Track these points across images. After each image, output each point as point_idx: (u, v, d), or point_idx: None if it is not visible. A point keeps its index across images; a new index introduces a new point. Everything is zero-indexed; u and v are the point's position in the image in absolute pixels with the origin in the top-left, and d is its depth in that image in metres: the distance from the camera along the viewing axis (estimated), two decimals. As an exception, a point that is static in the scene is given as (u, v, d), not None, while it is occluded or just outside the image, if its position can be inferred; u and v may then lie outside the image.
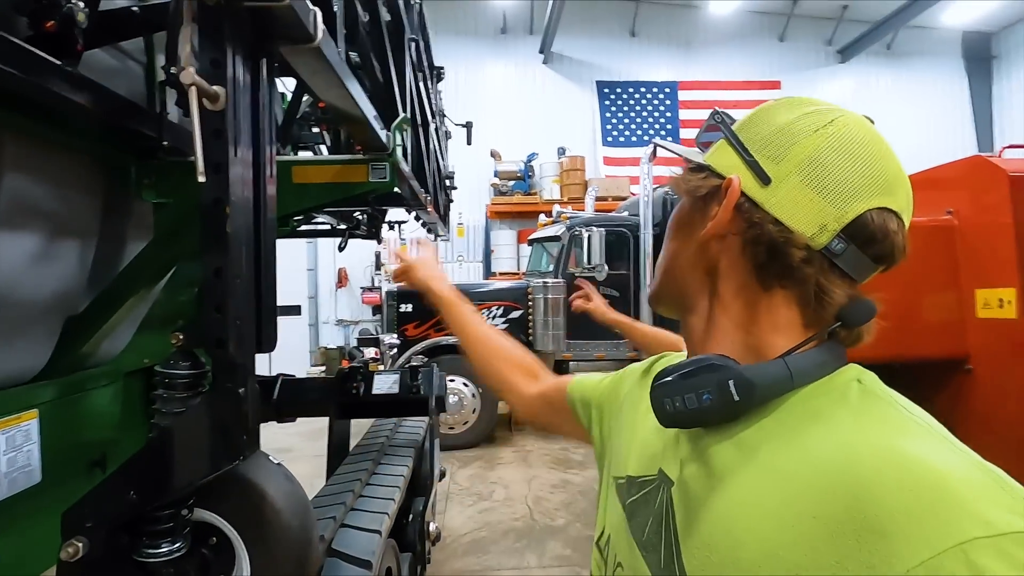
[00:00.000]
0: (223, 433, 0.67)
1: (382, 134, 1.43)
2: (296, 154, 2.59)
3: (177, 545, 0.70)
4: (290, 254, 9.38)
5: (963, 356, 2.65)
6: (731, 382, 0.47)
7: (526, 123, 10.32)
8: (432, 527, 2.52)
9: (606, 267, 5.46)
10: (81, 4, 0.84)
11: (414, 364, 2.68)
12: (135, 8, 0.99)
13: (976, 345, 2.60)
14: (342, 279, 9.81)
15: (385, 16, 1.74)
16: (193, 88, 0.61)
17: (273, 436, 5.37)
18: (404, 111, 1.90)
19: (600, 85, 10.46)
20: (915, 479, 0.38)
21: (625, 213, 6.16)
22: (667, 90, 10.44)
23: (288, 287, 9.56)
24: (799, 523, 0.41)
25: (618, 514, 0.62)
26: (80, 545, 0.64)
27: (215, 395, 0.67)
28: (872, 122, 0.53)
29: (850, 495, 0.39)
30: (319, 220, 3.42)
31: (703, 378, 0.49)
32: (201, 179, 0.62)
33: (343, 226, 3.57)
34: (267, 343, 0.76)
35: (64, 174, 1.21)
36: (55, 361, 1.38)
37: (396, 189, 2.04)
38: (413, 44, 2.05)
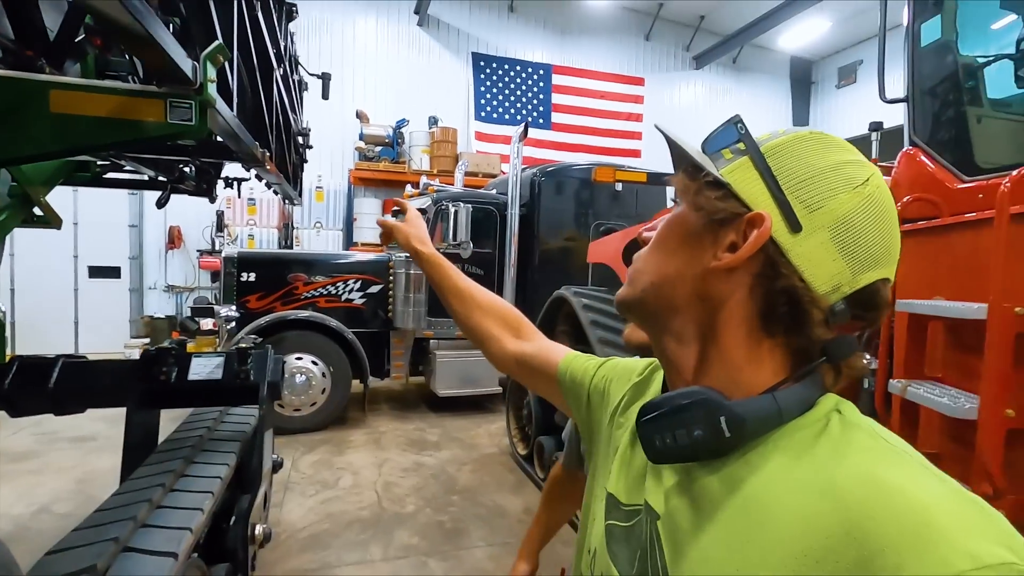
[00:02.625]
0: None
1: (186, 64, 1.11)
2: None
3: None
4: (107, 207, 7.97)
5: None
6: (723, 419, 0.47)
7: (398, 87, 9.76)
8: (259, 529, 2.22)
9: (471, 244, 5.35)
10: None
11: (243, 346, 2.32)
12: None
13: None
14: (174, 239, 8.55)
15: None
16: None
17: (72, 421, 4.50)
18: (232, 43, 1.55)
19: (476, 57, 10.21)
20: (900, 511, 0.38)
21: (494, 191, 6.09)
22: (541, 71, 10.51)
23: (102, 245, 8.12)
24: (788, 561, 0.41)
25: (603, 535, 0.61)
26: None
27: None
28: None
29: (840, 533, 0.39)
30: (128, 168, 2.82)
31: (693, 414, 0.49)
32: None
33: (164, 179, 3.00)
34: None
35: None
36: None
37: (217, 138, 1.69)
38: (246, -38, 1.68)
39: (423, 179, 6.33)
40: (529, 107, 10.35)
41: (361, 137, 8.96)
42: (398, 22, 9.91)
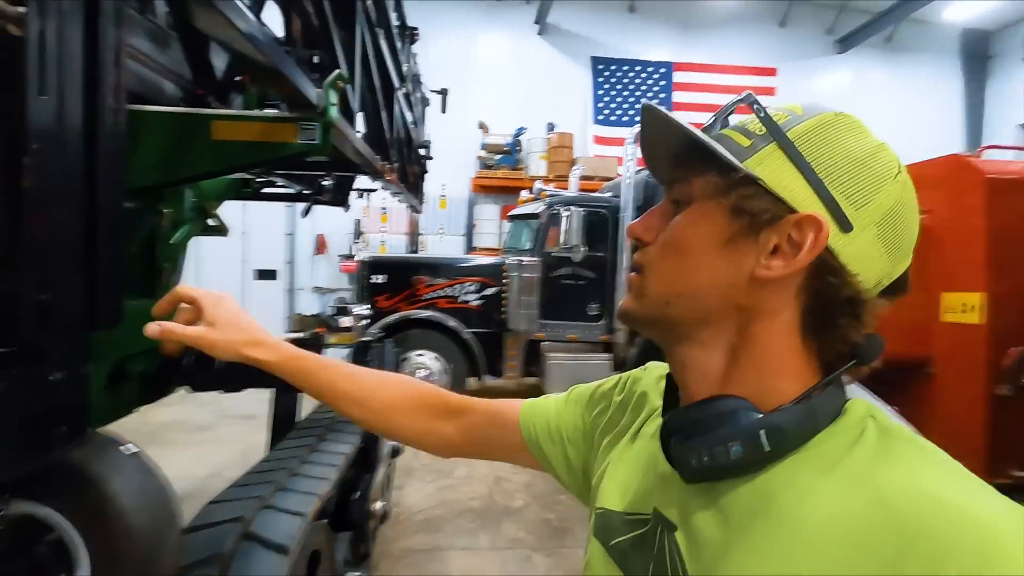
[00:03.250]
0: (29, 425, 0.57)
1: (311, 92, 1.30)
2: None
3: (-18, 546, 0.61)
4: (267, 218, 9.16)
5: (926, 359, 2.62)
6: (763, 432, 0.44)
7: (517, 96, 10.07)
8: (378, 505, 2.46)
9: (584, 248, 5.37)
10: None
11: (366, 339, 2.59)
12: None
13: (939, 348, 2.56)
14: (320, 246, 9.62)
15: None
16: (-25, 6, 0.49)
17: (240, 402, 5.29)
18: (352, 70, 1.76)
19: (595, 61, 10.21)
20: (961, 531, 0.36)
21: (608, 194, 6.05)
22: (662, 70, 10.23)
23: (264, 251, 9.36)
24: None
25: (601, 554, 0.57)
26: None
27: (16, 382, 0.56)
28: None
29: (890, 551, 0.37)
30: (280, 183, 3.27)
31: (730, 429, 0.45)
32: (-15, 120, 0.51)
33: (307, 191, 3.42)
34: (104, 317, 0.65)
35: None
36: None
37: (347, 155, 1.91)
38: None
39: (536, 184, 6.48)
40: (649, 107, 10.10)
41: (482, 147, 9.38)
42: (519, 34, 10.23)
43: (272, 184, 3.46)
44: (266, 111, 1.52)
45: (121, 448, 0.74)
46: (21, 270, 0.54)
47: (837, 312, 0.46)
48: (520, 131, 9.42)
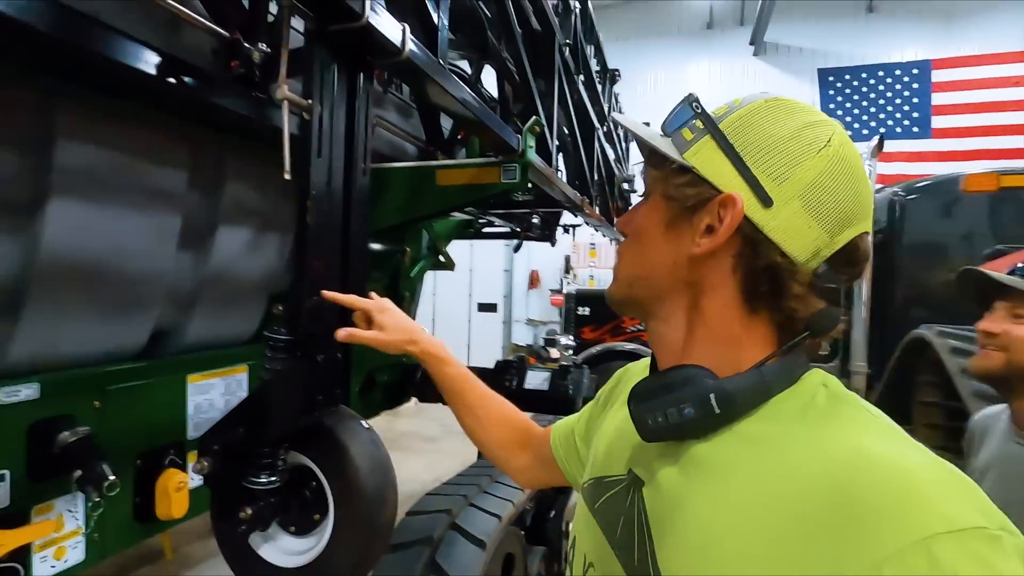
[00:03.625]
0: (303, 391, 0.80)
1: (512, 138, 1.50)
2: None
3: (274, 479, 0.86)
4: (489, 256, 10.20)
5: None
6: (712, 396, 0.48)
7: (731, 122, 9.58)
8: (571, 526, 2.53)
9: (808, 279, 4.80)
10: (262, 46, 1.06)
11: (565, 364, 2.73)
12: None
13: None
14: (534, 281, 10.32)
15: (535, 25, 1.82)
16: (284, 101, 0.75)
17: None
18: (552, 114, 1.96)
19: (823, 73, 9.15)
20: (884, 478, 0.40)
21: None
22: (915, 71, 8.68)
23: (486, 286, 10.41)
24: (776, 522, 0.43)
25: (584, 516, 0.64)
26: (206, 463, 0.83)
27: (298, 360, 0.80)
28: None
29: (826, 495, 0.41)
30: (498, 223, 3.68)
31: (683, 392, 0.50)
32: (286, 177, 0.76)
33: (518, 228, 3.78)
34: (351, 320, 0.87)
35: (268, 182, 1.54)
36: (262, 329, 1.75)
37: (547, 192, 2.11)
38: (567, 48, 2.09)
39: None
40: (897, 115, 8.65)
41: (692, 177, 9.11)
42: (733, 58, 9.80)
43: (491, 224, 3.92)
44: (478, 159, 1.79)
45: (360, 422, 0.96)
46: (302, 282, 0.79)
47: (764, 279, 0.50)
48: (734, 158, 8.91)
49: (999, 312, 1.21)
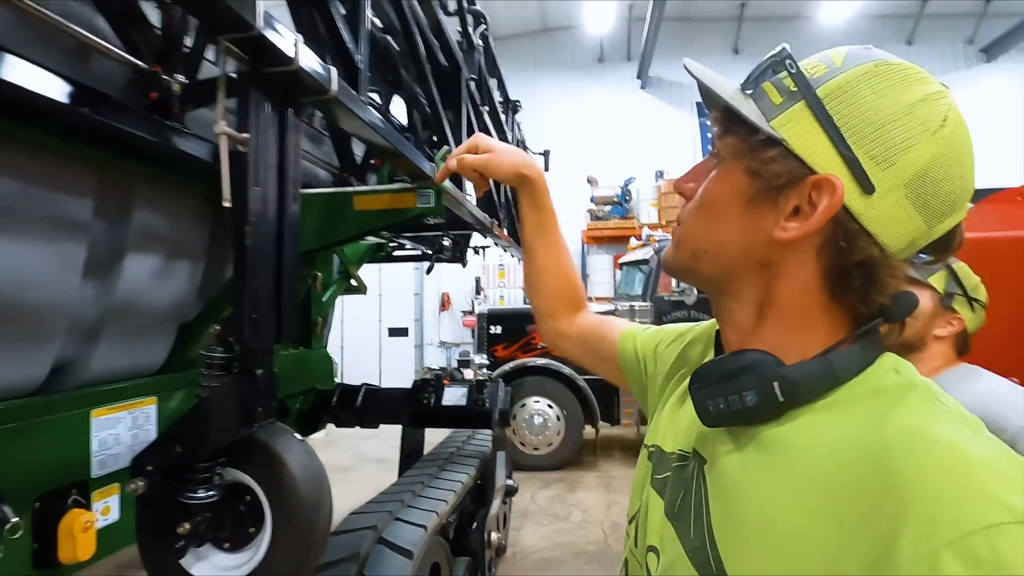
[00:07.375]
0: (241, 405, 0.85)
1: (425, 165, 1.61)
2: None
3: (211, 493, 0.89)
4: (398, 279, 10.10)
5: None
6: (776, 384, 0.46)
7: (623, 148, 10.33)
8: (494, 536, 2.62)
9: (696, 291, 5.29)
10: (180, 77, 1.10)
11: (480, 378, 2.83)
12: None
13: None
14: (445, 303, 10.36)
15: (443, 61, 1.96)
16: (223, 136, 0.81)
17: (374, 448, 5.80)
18: (462, 142, 2.09)
19: (700, 107, 10.20)
20: (943, 461, 0.38)
21: (720, 235, 5.94)
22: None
23: (396, 310, 10.28)
24: (830, 503, 0.41)
25: (642, 482, 0.64)
26: (140, 484, 0.84)
27: (236, 374, 0.85)
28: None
29: (880, 475, 0.39)
30: (409, 246, 3.74)
31: (747, 380, 0.48)
32: (226, 204, 0.82)
33: (429, 251, 3.87)
34: (284, 334, 0.94)
35: (179, 208, 1.52)
36: (171, 359, 1.70)
37: (458, 214, 2.23)
38: (472, 83, 2.25)
39: (645, 231, 6.54)
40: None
41: (592, 200, 9.67)
42: (622, 90, 10.61)
43: (401, 247, 3.97)
44: (393, 184, 1.88)
45: (293, 433, 1.01)
46: (241, 299, 0.84)
47: (857, 273, 0.46)
48: (629, 181, 9.60)
49: None
